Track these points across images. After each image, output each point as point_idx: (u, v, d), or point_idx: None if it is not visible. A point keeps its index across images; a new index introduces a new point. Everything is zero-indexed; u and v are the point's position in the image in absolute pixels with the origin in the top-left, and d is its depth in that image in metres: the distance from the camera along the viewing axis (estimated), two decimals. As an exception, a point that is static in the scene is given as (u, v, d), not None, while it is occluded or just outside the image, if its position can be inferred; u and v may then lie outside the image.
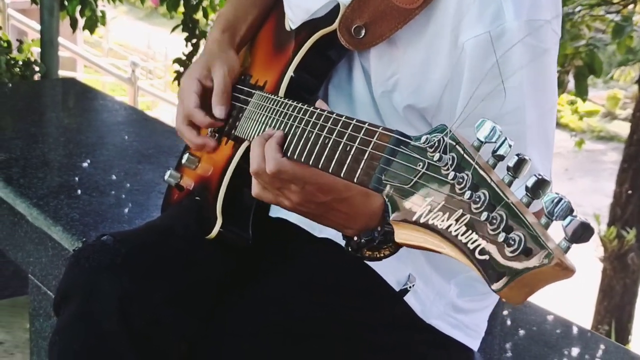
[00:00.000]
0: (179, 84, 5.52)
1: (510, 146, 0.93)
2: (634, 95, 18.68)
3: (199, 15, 5.61)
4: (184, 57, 5.59)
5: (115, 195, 2.70)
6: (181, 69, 5.58)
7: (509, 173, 0.91)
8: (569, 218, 0.83)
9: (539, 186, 0.87)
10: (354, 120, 1.20)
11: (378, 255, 1.33)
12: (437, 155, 0.98)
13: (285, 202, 1.36)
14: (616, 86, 17.14)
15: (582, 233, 0.82)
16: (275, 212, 1.72)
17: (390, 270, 1.60)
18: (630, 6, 5.40)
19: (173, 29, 5.69)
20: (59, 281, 1.62)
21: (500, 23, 1.38)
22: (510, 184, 0.90)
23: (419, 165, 1.01)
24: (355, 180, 1.14)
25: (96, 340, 1.50)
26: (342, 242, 1.59)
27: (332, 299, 1.61)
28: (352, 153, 1.17)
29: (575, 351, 2.20)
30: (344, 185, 1.29)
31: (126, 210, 2.58)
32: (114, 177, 2.87)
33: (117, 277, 1.52)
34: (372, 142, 1.13)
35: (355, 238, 1.34)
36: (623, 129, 14.33)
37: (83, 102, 3.91)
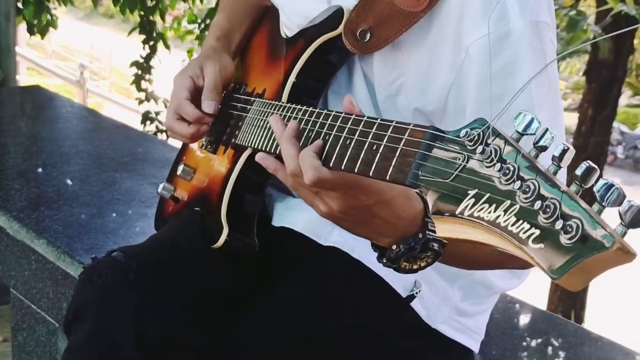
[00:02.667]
0: (137, 87, 5.50)
1: (553, 137, 0.93)
2: (574, 86, 19.05)
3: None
4: (141, 60, 5.54)
5: (96, 205, 2.66)
6: (139, 72, 5.54)
7: (554, 163, 0.91)
8: (626, 203, 0.83)
9: (589, 173, 0.87)
10: (378, 120, 1.18)
11: (414, 267, 1.29)
12: (480, 148, 0.97)
13: (321, 206, 1.29)
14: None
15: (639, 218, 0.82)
16: (279, 221, 1.71)
17: (396, 276, 1.57)
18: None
19: (130, 32, 5.63)
20: (71, 299, 1.59)
21: (505, 22, 1.38)
22: (555, 173, 0.90)
23: (459, 159, 1.00)
24: (387, 178, 1.11)
25: (112, 357, 1.48)
26: (348, 250, 1.61)
27: (341, 308, 1.60)
28: (380, 152, 1.14)
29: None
30: (387, 186, 1.23)
31: (109, 220, 2.55)
32: (92, 186, 2.83)
33: (131, 293, 1.50)
34: (404, 139, 1.11)
35: (394, 247, 1.27)
36: (565, 119, 14.57)
37: (51, 110, 3.84)
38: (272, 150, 1.47)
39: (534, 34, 1.41)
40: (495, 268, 1.53)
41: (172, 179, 1.92)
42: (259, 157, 1.37)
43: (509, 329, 2.30)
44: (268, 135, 1.50)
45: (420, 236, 1.25)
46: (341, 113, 1.28)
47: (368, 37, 1.51)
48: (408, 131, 1.11)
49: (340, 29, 1.55)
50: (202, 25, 6.24)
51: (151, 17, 5.39)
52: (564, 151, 0.91)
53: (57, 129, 3.50)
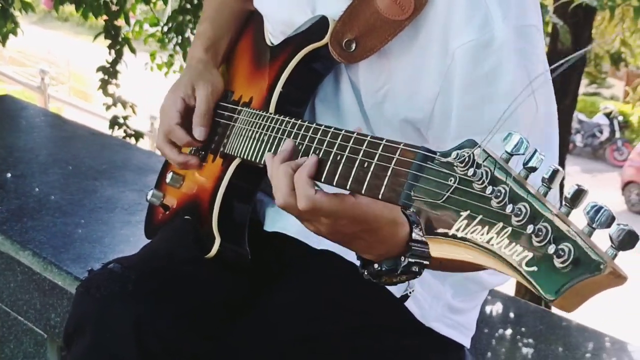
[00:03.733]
0: (104, 92, 5.45)
1: (543, 158, 0.94)
2: (532, 76, 19.21)
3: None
4: (107, 65, 5.51)
5: (79, 214, 2.66)
6: (105, 77, 5.51)
7: (544, 184, 0.92)
8: (615, 226, 0.84)
9: (578, 196, 0.88)
10: (368, 137, 1.20)
11: (394, 280, 1.33)
12: (470, 170, 0.98)
13: (311, 227, 1.33)
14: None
15: (629, 241, 0.84)
16: (271, 226, 1.72)
17: (389, 277, 1.63)
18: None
19: (95, 37, 5.59)
20: (69, 313, 1.60)
21: (488, 29, 1.40)
22: (546, 194, 0.92)
23: (450, 180, 1.01)
24: (380, 197, 1.13)
25: None
26: (342, 253, 1.62)
27: (337, 310, 1.62)
28: (371, 170, 1.16)
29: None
30: (374, 217, 1.25)
31: (93, 229, 2.55)
32: (73, 195, 2.83)
33: (130, 304, 1.52)
34: (395, 159, 1.12)
35: (376, 265, 1.31)
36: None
37: (23, 119, 3.82)
38: (260, 161, 1.49)
39: (520, 38, 1.43)
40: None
41: (161, 186, 1.92)
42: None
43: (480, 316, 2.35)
44: (257, 146, 1.51)
45: (403, 259, 1.28)
46: (330, 128, 1.30)
47: (354, 47, 1.53)
48: (399, 150, 1.13)
49: (327, 39, 1.56)
50: (165, 29, 6.22)
51: (115, 22, 5.36)
52: (554, 173, 0.92)
53: (33, 139, 3.48)
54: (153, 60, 7.09)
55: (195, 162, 1.73)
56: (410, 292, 1.65)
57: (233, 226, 1.66)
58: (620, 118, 19.85)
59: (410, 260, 1.28)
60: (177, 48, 6.39)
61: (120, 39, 5.42)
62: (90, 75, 5.63)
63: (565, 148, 7.56)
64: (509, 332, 2.37)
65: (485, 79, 1.41)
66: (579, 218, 0.88)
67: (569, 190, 0.89)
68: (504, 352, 2.26)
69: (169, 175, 1.84)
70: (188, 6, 5.85)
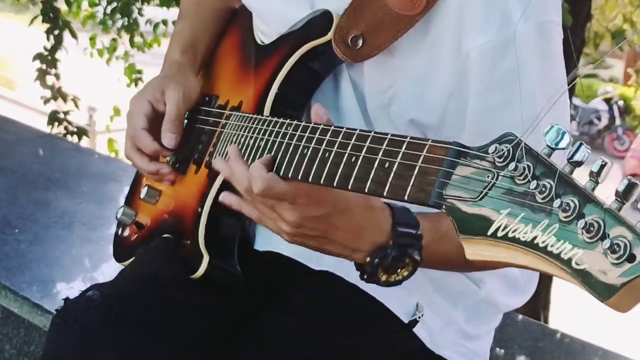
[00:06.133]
0: (42, 83, 5.44)
1: (588, 152, 0.99)
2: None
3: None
4: (45, 53, 5.49)
5: (32, 230, 2.68)
6: (43, 66, 5.49)
7: (592, 179, 0.96)
8: None
9: (630, 190, 0.93)
10: (389, 135, 1.23)
11: (396, 278, 1.39)
12: (512, 164, 1.01)
13: (284, 226, 1.40)
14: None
15: None
16: (263, 245, 1.75)
17: (396, 300, 1.67)
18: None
19: (32, 21, 5.56)
20: (43, 348, 1.61)
21: (508, 28, 1.45)
22: (593, 189, 0.96)
23: (488, 176, 1.04)
24: (406, 198, 1.17)
25: None
26: (343, 274, 1.67)
27: (340, 338, 1.65)
28: (394, 170, 1.19)
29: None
30: (341, 197, 1.34)
31: (50, 247, 2.57)
32: (23, 209, 2.84)
33: (115, 336, 1.53)
34: (422, 156, 1.16)
35: (368, 259, 1.39)
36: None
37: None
38: None
39: (540, 37, 1.48)
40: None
41: (133, 202, 1.93)
42: (223, 197, 1.49)
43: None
44: (252, 153, 1.51)
45: (391, 243, 1.37)
46: (342, 128, 1.32)
47: (360, 44, 1.56)
48: (427, 147, 1.16)
49: (330, 35, 1.59)
50: (108, 9, 6.20)
51: (55, 3, 5.33)
52: (602, 167, 0.96)
53: (-31, 143, 3.47)
54: (93, 45, 7.02)
55: (167, 171, 1.76)
56: (419, 317, 1.70)
57: (222, 243, 1.68)
58: (621, 103, 19.84)
59: (400, 242, 1.37)
60: (122, 32, 6.36)
61: (60, 23, 5.38)
62: (17, 61, 5.57)
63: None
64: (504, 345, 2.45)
65: (504, 82, 1.47)
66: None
67: (620, 185, 0.93)
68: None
69: (144, 190, 1.85)
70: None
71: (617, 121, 19.73)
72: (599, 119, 19.78)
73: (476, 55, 1.47)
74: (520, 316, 2.81)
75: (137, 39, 6.67)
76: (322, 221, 1.38)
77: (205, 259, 1.65)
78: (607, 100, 19.84)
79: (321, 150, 1.33)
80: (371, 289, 1.62)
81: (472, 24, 1.48)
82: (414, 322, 1.70)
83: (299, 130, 1.41)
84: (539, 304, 7.99)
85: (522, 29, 1.45)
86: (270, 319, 1.68)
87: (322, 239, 1.41)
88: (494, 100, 1.49)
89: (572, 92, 7.81)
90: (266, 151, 1.47)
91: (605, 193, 0.95)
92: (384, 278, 1.39)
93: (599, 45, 9.23)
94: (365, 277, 1.41)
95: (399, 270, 1.39)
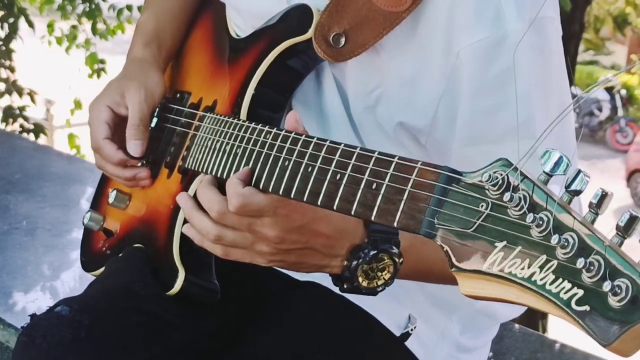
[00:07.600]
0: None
1: (588, 180, 0.99)
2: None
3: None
4: (-1, 43, 5.49)
5: (-10, 238, 2.69)
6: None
7: (592, 210, 0.96)
8: None
9: (632, 224, 0.93)
10: (376, 153, 1.23)
11: (378, 283, 1.42)
12: (506, 195, 1.01)
13: (263, 246, 1.42)
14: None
15: None
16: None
17: (387, 312, 1.69)
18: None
19: (-17, 8, 5.55)
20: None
21: (501, 25, 1.47)
22: (593, 222, 0.96)
23: (482, 205, 1.04)
24: (395, 224, 1.17)
25: None
26: (329, 285, 1.68)
27: (328, 353, 1.66)
28: (382, 193, 1.19)
29: None
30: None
31: (11, 256, 2.57)
32: (-20, 214, 2.84)
33: (85, 354, 1.54)
34: (411, 180, 1.16)
35: (346, 263, 1.42)
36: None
37: None
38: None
39: (535, 34, 1.49)
40: None
41: (100, 207, 1.94)
42: (184, 230, 1.52)
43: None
44: (228, 161, 1.53)
45: (366, 240, 1.41)
46: (325, 141, 1.33)
47: (343, 42, 1.57)
48: (416, 170, 1.17)
49: (310, 33, 1.60)
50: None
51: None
52: (602, 197, 0.96)
53: None
54: (51, 32, 6.97)
55: (145, 175, 1.77)
56: (411, 330, 1.72)
57: (198, 256, 1.66)
58: (623, 92, 19.83)
59: (375, 237, 1.41)
60: (83, 18, 6.34)
61: (15, 10, 5.36)
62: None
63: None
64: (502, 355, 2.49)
65: (498, 82, 1.48)
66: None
67: (621, 219, 0.93)
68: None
69: (113, 194, 1.86)
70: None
71: (620, 112, 19.71)
72: (600, 109, 19.75)
73: (467, 55, 1.49)
74: (518, 326, 2.85)
75: (100, 26, 6.62)
76: (305, 230, 1.40)
77: (181, 274, 1.65)
78: (610, 90, 19.73)
79: (303, 164, 1.34)
80: (359, 299, 1.64)
81: (462, 22, 1.49)
82: (406, 335, 1.72)
83: (279, 140, 1.42)
84: (537, 313, 8.06)
85: (517, 25, 1.46)
86: (251, 335, 1.69)
87: (303, 250, 1.43)
88: (487, 103, 1.50)
89: (571, 81, 7.84)
90: (244, 160, 1.48)
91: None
92: (364, 284, 1.42)
93: (600, 30, 9.31)
94: (345, 286, 1.44)
95: (379, 274, 1.41)
